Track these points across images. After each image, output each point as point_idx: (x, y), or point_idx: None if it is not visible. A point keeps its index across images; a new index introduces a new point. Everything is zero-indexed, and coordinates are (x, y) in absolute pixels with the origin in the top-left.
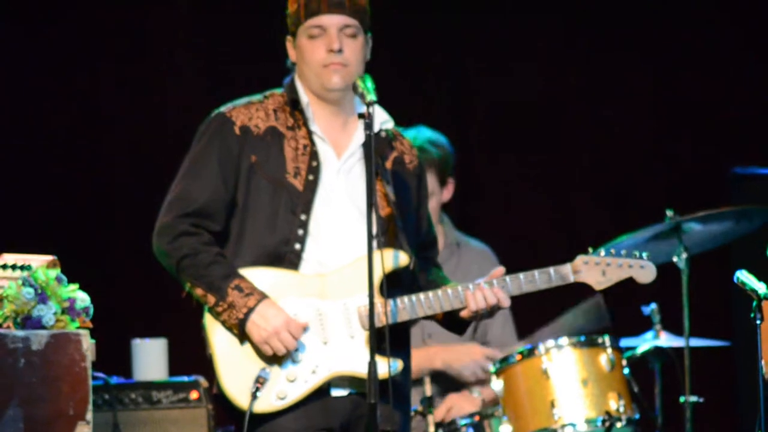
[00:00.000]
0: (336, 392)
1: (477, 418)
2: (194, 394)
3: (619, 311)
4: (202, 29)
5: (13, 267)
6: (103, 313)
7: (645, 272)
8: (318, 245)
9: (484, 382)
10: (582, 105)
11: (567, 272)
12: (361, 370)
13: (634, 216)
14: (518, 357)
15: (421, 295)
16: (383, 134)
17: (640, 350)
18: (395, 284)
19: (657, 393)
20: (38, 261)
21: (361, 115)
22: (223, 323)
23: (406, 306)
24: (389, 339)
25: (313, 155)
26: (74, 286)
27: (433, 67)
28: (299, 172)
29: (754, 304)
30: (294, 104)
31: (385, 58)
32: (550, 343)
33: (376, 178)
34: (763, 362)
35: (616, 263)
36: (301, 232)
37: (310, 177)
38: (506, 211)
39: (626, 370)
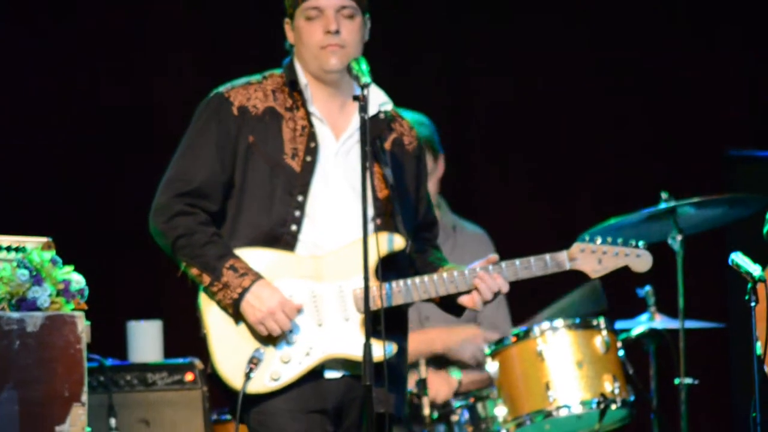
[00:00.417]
0: (329, 374)
1: (472, 399)
2: (189, 376)
3: (614, 293)
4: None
5: (8, 249)
6: (99, 295)
7: (641, 261)
8: (315, 227)
9: (483, 364)
10: (577, 91)
11: (563, 259)
12: (356, 352)
13: (630, 199)
14: (513, 339)
15: (417, 279)
16: (382, 116)
17: (635, 332)
18: (391, 267)
19: (652, 375)
20: (33, 243)
21: (356, 98)
22: (218, 303)
23: (402, 289)
24: (385, 322)
25: (311, 136)
26: (69, 268)
27: (433, 66)
28: (297, 153)
29: (749, 286)
30: (293, 85)
31: (385, 58)
32: (545, 325)
33: (374, 160)
34: (759, 344)
35: (612, 252)
36: (297, 213)
37: (308, 158)
38: (500, 194)
39: (621, 352)
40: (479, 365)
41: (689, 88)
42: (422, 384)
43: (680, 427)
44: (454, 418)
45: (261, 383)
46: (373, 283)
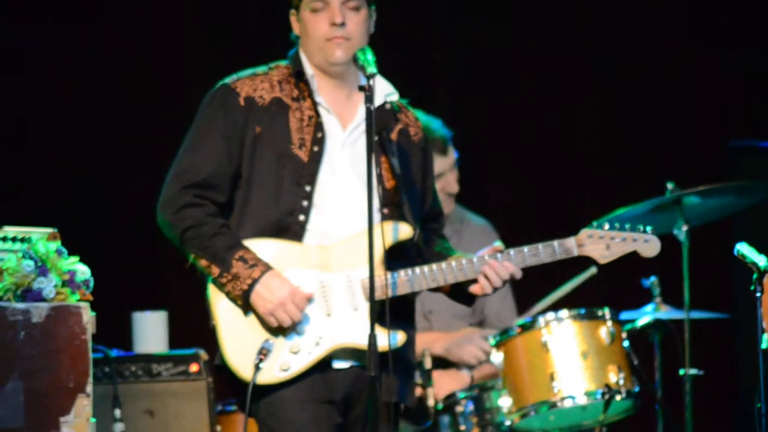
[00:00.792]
0: (338, 364)
1: (477, 391)
2: (194, 367)
3: (619, 283)
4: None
5: (14, 239)
6: (104, 286)
7: (649, 246)
8: (322, 217)
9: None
10: (583, 80)
11: (571, 246)
12: (365, 342)
13: (636, 189)
14: (518, 330)
15: (425, 268)
16: (388, 106)
17: (640, 323)
18: (399, 257)
19: (657, 366)
20: (39, 233)
21: (361, 88)
22: (228, 294)
23: (409, 278)
24: (392, 311)
25: (318, 126)
26: (74, 259)
27: (434, 65)
28: (304, 144)
29: (755, 276)
30: (299, 76)
31: (387, 57)
32: (550, 315)
33: (380, 150)
34: (765, 335)
35: (620, 237)
36: (305, 203)
37: (315, 148)
38: (506, 186)
39: (626, 343)
40: (481, 363)
41: (694, 78)
42: (427, 375)
43: (685, 418)
44: (459, 409)
45: (270, 374)
46: (381, 273)
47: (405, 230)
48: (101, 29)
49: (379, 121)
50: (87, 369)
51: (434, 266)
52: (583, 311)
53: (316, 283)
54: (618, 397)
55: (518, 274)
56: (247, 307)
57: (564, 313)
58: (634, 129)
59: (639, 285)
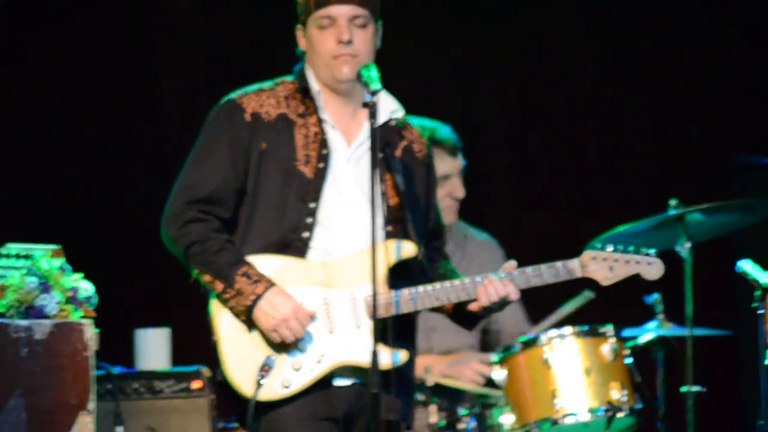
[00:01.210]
0: (339, 382)
1: (479, 408)
2: (197, 384)
3: (622, 300)
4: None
5: (17, 256)
6: (107, 303)
7: (652, 269)
8: (326, 234)
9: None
10: (586, 94)
11: (575, 267)
12: (367, 359)
13: (639, 206)
14: (520, 346)
15: (429, 286)
16: (392, 123)
17: (642, 340)
18: (404, 275)
19: (659, 382)
20: (42, 250)
21: (365, 104)
22: (231, 310)
23: (411, 297)
24: (395, 329)
25: (324, 143)
26: (78, 276)
27: (438, 65)
28: (309, 160)
29: (757, 293)
30: (305, 92)
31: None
32: (553, 332)
33: (385, 167)
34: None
35: (624, 259)
36: (310, 220)
37: (320, 165)
38: (511, 203)
39: (629, 360)
40: (480, 385)
41: (698, 93)
42: (428, 392)
43: None
44: (461, 426)
45: (272, 390)
46: (384, 291)
47: (408, 248)
48: (104, 45)
49: (383, 138)
50: (89, 386)
51: (438, 284)
52: (585, 328)
53: (319, 300)
54: (620, 414)
55: (514, 296)
56: (250, 323)
57: (566, 329)
58: (637, 146)
59: (641, 302)
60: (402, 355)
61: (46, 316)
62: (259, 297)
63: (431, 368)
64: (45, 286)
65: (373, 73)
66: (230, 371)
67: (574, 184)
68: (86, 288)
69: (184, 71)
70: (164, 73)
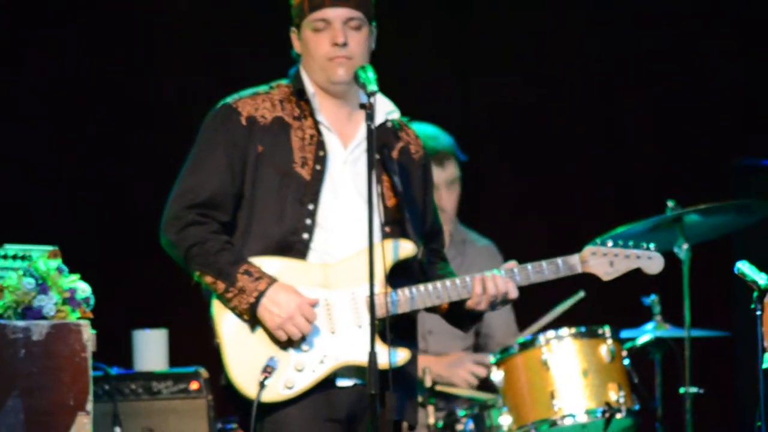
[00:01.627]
0: (341, 382)
1: (477, 409)
2: (194, 385)
3: (619, 302)
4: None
5: (14, 257)
6: (104, 304)
7: (653, 263)
8: (326, 235)
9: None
10: (586, 95)
11: (575, 262)
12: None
13: (637, 207)
14: (518, 348)
15: (428, 285)
16: (389, 124)
17: (640, 341)
18: (404, 275)
19: (657, 384)
20: (39, 251)
21: (362, 106)
22: (233, 310)
23: (408, 297)
24: (395, 330)
25: (320, 145)
26: (75, 277)
27: (437, 70)
28: (306, 162)
29: (755, 295)
30: (300, 94)
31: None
32: (551, 333)
33: (381, 168)
34: (766, 354)
35: (624, 254)
36: (309, 221)
37: (317, 167)
38: (508, 203)
39: (626, 361)
40: (473, 388)
41: (696, 95)
42: (427, 393)
43: None
44: (459, 427)
45: (275, 391)
46: (383, 291)
47: (407, 248)
48: (104, 45)
49: (380, 139)
50: (87, 387)
51: (437, 283)
52: (583, 329)
53: (320, 301)
54: (618, 416)
55: (513, 293)
56: (253, 321)
57: (564, 331)
58: (635, 147)
59: (639, 303)
60: (402, 355)
61: (43, 317)
62: (261, 294)
63: (429, 369)
64: (42, 287)
65: (370, 75)
66: (234, 374)
67: (572, 185)
68: (84, 289)
69: (184, 71)
70: (164, 73)
